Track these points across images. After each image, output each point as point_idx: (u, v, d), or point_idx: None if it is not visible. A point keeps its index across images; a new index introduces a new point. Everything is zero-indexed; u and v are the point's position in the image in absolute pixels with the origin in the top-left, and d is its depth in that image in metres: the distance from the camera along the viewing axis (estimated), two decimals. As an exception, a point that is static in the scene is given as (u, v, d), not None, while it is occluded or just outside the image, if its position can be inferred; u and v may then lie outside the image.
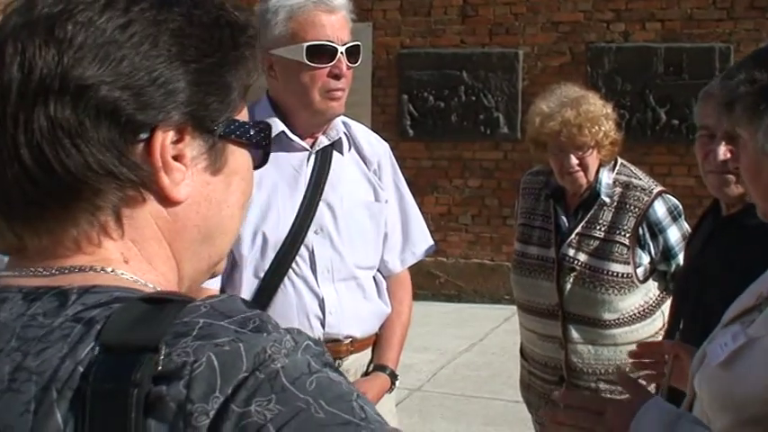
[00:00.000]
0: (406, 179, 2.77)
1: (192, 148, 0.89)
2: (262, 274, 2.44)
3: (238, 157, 0.94)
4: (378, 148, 2.65)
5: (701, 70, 7.44)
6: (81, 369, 0.77)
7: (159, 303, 0.81)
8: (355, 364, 2.57)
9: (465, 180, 8.64)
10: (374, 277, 2.63)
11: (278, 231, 2.44)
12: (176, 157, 0.88)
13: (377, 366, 2.61)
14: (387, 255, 2.65)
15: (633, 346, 3.04)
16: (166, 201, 0.88)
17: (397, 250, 2.68)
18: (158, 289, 0.88)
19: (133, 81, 0.84)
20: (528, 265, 3.17)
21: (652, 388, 2.16)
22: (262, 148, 0.97)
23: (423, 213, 2.82)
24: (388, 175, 2.66)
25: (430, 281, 8.47)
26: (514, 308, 3.41)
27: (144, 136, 0.86)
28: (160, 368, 0.75)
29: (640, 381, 2.07)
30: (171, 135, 0.87)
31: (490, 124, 8.45)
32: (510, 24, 8.39)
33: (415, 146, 8.62)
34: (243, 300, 0.84)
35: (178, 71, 0.86)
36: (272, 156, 2.82)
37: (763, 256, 1.74)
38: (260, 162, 0.99)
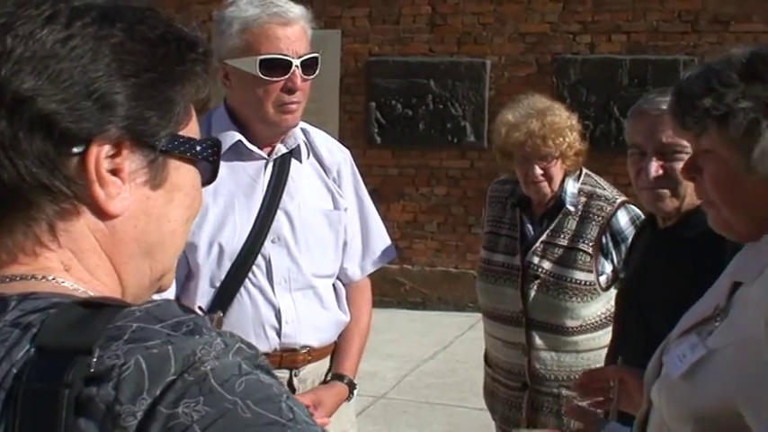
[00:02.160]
0: (372, 187, 2.74)
1: (131, 162, 0.88)
2: (218, 284, 2.40)
3: (183, 172, 0.93)
4: (337, 155, 2.62)
5: (665, 82, 7.41)
6: (15, 370, 0.78)
7: (95, 308, 0.81)
8: (313, 373, 2.54)
9: (431, 188, 8.66)
10: (333, 285, 2.60)
11: (234, 241, 2.40)
12: (114, 171, 0.87)
13: (335, 375, 2.58)
14: (346, 262, 2.62)
15: (594, 353, 3.10)
16: (102, 214, 0.88)
17: (357, 258, 2.66)
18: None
19: (70, 94, 0.84)
20: (493, 272, 3.19)
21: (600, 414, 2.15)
22: (210, 163, 0.96)
23: (389, 221, 2.81)
24: (348, 182, 2.62)
25: (395, 288, 8.48)
26: (479, 315, 3.43)
27: (78, 149, 0.85)
28: (92, 370, 0.76)
29: (590, 408, 2.06)
30: (107, 149, 0.86)
31: (457, 133, 8.48)
32: (478, 34, 8.44)
33: (383, 153, 8.63)
34: (180, 305, 0.84)
35: (116, 85, 0.86)
36: (229, 165, 2.78)
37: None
38: (209, 178, 0.98)
